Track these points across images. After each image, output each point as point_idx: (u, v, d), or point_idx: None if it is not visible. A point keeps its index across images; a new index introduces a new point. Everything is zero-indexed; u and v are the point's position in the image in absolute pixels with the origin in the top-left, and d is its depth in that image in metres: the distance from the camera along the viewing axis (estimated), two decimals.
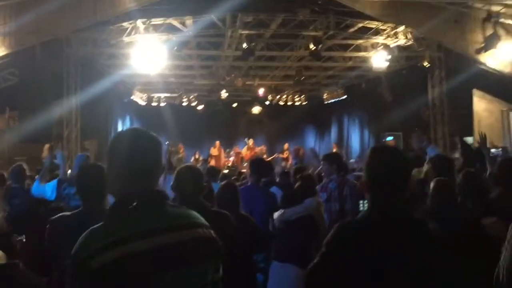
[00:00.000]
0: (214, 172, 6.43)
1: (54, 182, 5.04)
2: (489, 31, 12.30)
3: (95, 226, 1.57)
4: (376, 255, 1.79)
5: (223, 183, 3.84)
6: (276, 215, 4.14)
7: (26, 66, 11.65)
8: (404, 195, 1.91)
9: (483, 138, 5.07)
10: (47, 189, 4.94)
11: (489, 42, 11.93)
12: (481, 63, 12.81)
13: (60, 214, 2.75)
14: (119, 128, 17.57)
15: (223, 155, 18.64)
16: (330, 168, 4.98)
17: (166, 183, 4.26)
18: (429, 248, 1.84)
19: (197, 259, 1.58)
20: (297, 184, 4.37)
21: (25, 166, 5.48)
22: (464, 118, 13.53)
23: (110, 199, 2.24)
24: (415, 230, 1.88)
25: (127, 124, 19.04)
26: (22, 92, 12.16)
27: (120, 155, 1.63)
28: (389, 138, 15.88)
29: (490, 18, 11.87)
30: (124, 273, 1.44)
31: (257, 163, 5.11)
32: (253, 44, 11.95)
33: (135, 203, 1.56)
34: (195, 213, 1.70)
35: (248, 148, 18.79)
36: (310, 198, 4.10)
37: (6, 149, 12.77)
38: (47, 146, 12.39)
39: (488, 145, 5.92)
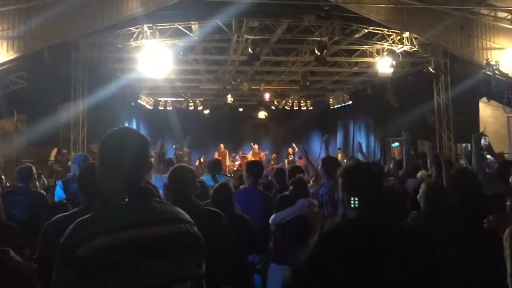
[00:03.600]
0: (216, 165, 6.52)
1: (59, 183, 5.17)
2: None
3: (84, 217, 1.67)
4: (361, 258, 1.90)
5: (217, 185, 3.89)
6: (271, 218, 4.22)
7: (34, 70, 11.79)
8: (381, 201, 2.08)
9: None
10: (57, 191, 5.05)
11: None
12: (487, 69, 12.81)
13: (56, 217, 2.77)
14: None
15: (227, 158, 18.69)
16: (323, 173, 5.00)
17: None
18: (413, 249, 1.96)
19: (177, 253, 1.66)
20: (290, 189, 4.47)
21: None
22: (469, 124, 13.48)
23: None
24: (397, 235, 2.01)
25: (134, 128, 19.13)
26: (30, 96, 12.28)
27: (110, 153, 1.73)
28: (395, 144, 15.83)
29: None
30: (106, 261, 1.53)
31: (252, 166, 5.22)
32: (258, 49, 12.00)
33: (124, 198, 1.67)
34: (179, 209, 1.79)
35: (253, 153, 18.86)
36: (302, 198, 4.17)
37: (14, 152, 12.91)
38: (55, 150, 12.57)
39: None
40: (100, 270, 1.53)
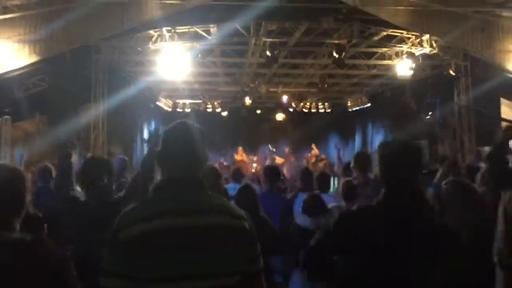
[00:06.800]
0: (238, 174, 6.55)
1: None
2: None
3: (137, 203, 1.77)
4: (378, 239, 1.91)
5: (241, 186, 3.89)
6: (300, 221, 4.17)
7: (56, 72, 12.00)
8: (414, 185, 2.00)
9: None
10: None
11: None
12: (509, 72, 12.60)
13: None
14: (145, 134, 17.81)
15: (246, 159, 18.69)
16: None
17: None
18: (433, 236, 1.94)
19: (221, 246, 1.68)
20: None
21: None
22: (491, 127, 13.27)
23: None
24: (421, 220, 1.97)
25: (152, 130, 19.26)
26: (52, 97, 12.49)
27: (171, 142, 1.85)
28: None
29: None
30: (145, 247, 1.60)
31: (269, 171, 5.24)
32: (276, 52, 12.02)
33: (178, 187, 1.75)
34: (230, 204, 1.87)
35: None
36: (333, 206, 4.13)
37: (36, 152, 13.12)
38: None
39: None
40: (139, 255, 1.59)
